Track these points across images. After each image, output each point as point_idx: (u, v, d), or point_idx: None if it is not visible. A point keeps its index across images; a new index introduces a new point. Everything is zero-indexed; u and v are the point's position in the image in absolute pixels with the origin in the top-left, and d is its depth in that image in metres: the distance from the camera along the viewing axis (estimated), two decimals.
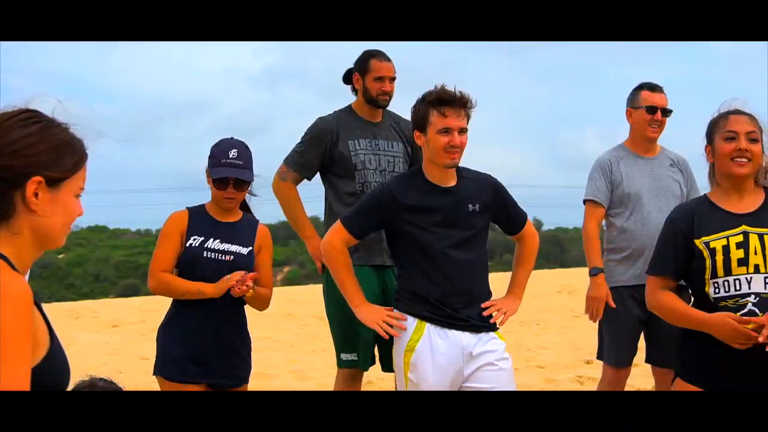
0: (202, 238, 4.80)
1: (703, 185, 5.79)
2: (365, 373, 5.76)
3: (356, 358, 5.60)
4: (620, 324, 5.87)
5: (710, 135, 4.20)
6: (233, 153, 4.80)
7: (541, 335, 14.20)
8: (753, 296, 3.89)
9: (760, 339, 3.72)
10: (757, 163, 4.05)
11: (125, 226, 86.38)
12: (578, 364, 10.90)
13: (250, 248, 4.88)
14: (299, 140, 5.78)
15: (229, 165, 4.77)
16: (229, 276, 4.70)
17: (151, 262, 4.82)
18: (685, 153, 6.08)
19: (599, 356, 6.05)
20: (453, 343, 4.47)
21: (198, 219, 4.87)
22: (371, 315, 4.59)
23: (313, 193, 6.01)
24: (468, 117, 4.52)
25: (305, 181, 5.79)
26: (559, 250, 61.17)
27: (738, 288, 3.91)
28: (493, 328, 4.58)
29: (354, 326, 5.54)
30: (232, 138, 4.93)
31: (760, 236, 3.94)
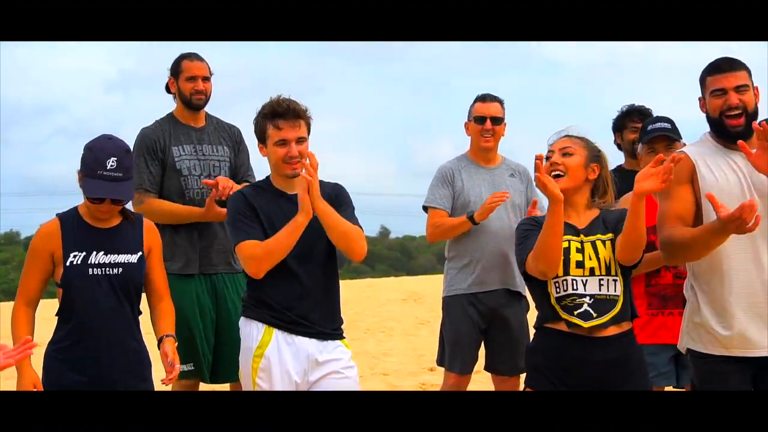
0: (84, 254, 4.30)
1: None
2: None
3: (193, 368, 5.55)
4: (461, 332, 5.98)
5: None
6: (111, 163, 4.20)
7: (386, 342, 14.32)
8: (588, 297, 4.10)
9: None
10: (574, 177, 4.22)
11: None
12: (421, 371, 11.05)
13: (140, 253, 4.42)
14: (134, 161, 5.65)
15: (106, 179, 4.22)
16: None
17: (18, 288, 4.39)
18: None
19: (439, 362, 6.15)
20: (299, 350, 4.49)
21: (73, 230, 4.34)
22: None
23: None
24: (308, 126, 4.57)
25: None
26: (406, 258, 61.71)
27: (575, 288, 4.10)
28: (339, 335, 4.63)
29: (193, 338, 5.51)
30: (111, 138, 4.34)
31: (593, 243, 4.16)
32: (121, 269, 4.35)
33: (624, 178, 4.81)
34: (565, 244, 4.14)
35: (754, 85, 4.23)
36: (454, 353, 6.01)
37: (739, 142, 4.02)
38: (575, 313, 4.09)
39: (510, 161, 6.26)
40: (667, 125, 5.24)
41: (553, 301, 4.14)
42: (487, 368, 6.19)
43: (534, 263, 4.11)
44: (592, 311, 4.08)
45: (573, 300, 4.10)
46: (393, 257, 60.55)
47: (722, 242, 4.04)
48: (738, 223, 3.83)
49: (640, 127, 5.60)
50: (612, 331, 4.10)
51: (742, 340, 4.12)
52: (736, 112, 4.15)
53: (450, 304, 6.06)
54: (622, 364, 4.11)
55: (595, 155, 4.30)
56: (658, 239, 4.25)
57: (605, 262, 4.12)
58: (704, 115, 4.30)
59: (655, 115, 5.55)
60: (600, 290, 4.10)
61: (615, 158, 6.04)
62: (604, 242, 4.15)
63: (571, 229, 4.19)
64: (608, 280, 4.12)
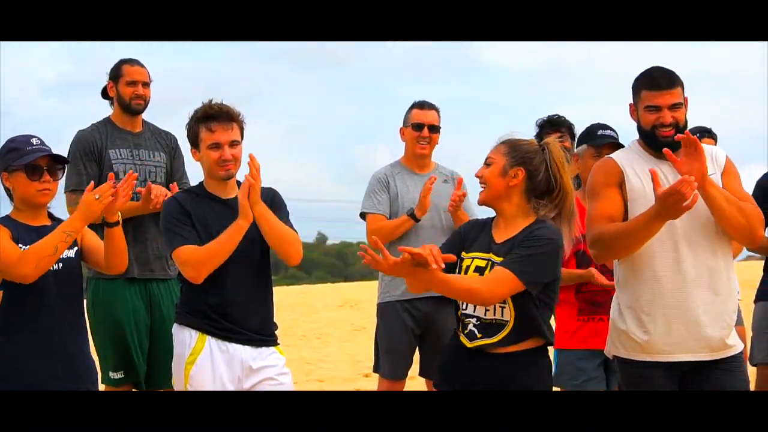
0: (27, 248, 4.24)
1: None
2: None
3: (123, 377, 5.52)
4: (395, 337, 6.01)
5: None
6: (36, 140, 4.34)
7: (322, 349, 14.33)
8: (475, 319, 4.01)
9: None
10: (490, 188, 4.08)
11: None
12: (357, 378, 11.08)
13: (76, 248, 4.45)
14: (70, 162, 5.60)
15: (37, 151, 4.29)
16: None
17: (4, 262, 4.17)
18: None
19: (375, 369, 6.17)
20: (232, 357, 4.49)
21: (14, 228, 4.30)
22: None
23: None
24: (241, 129, 4.57)
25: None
26: (343, 263, 61.68)
27: (465, 308, 4.06)
28: (273, 342, 4.63)
29: (127, 345, 5.47)
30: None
31: (493, 264, 3.99)
32: (62, 264, 4.35)
33: None
34: (469, 262, 4.05)
35: (685, 96, 4.31)
36: (388, 359, 6.03)
37: (665, 150, 4.09)
38: (464, 332, 4.04)
39: (443, 168, 6.30)
40: (614, 134, 5.43)
41: (459, 313, 4.11)
42: (421, 374, 6.22)
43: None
44: (476, 332, 3.99)
45: (464, 319, 4.05)
46: (330, 263, 60.51)
47: (657, 229, 4.07)
48: (676, 198, 3.88)
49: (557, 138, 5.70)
50: (508, 349, 3.95)
51: (662, 345, 4.20)
52: (669, 128, 4.23)
53: (384, 310, 6.09)
54: (512, 382, 3.94)
55: (522, 158, 4.06)
56: (587, 238, 4.30)
57: None
58: (634, 121, 4.38)
59: (598, 122, 5.63)
60: (485, 314, 3.98)
61: None
62: (494, 264, 3.98)
63: (486, 244, 4.08)
64: (494, 305, 3.96)
